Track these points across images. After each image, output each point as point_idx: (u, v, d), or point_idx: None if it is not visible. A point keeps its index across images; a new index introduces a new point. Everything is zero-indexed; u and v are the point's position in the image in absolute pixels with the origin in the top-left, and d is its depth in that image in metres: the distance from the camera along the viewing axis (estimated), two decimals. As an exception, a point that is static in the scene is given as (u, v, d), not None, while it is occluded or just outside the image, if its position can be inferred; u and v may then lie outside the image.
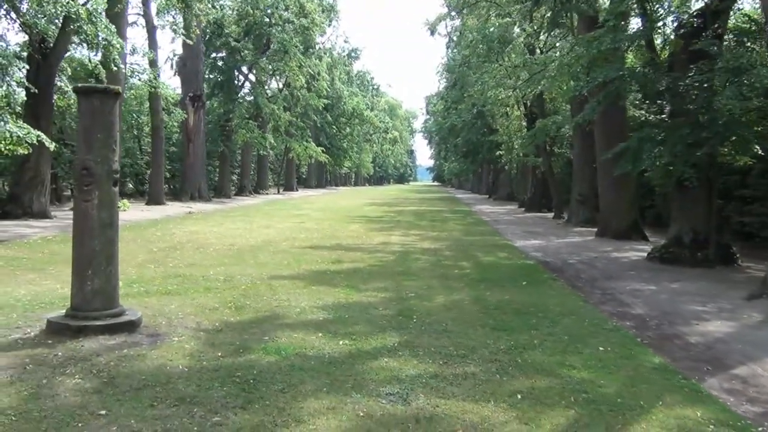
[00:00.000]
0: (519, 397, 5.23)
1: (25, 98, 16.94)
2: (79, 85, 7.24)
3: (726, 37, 13.92)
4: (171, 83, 43.76)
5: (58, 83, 20.82)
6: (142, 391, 5.14)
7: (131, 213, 25.35)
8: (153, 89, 27.54)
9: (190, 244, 15.71)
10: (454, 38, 45.47)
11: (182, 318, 7.68)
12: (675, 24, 14.86)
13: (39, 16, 18.49)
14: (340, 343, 6.79)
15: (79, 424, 4.49)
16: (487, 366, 6.09)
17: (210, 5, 33.98)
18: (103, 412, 4.70)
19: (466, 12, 34.46)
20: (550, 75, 18.51)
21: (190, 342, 6.64)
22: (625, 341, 7.33)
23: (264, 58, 44.44)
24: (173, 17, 29.78)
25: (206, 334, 7.01)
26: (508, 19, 30.82)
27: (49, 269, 11.18)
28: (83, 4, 17.62)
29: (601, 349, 6.86)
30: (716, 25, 13.49)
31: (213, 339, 6.79)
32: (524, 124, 36.57)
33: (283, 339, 6.87)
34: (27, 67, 17.47)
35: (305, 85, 49.12)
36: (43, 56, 20.51)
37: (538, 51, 32.54)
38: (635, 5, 15.83)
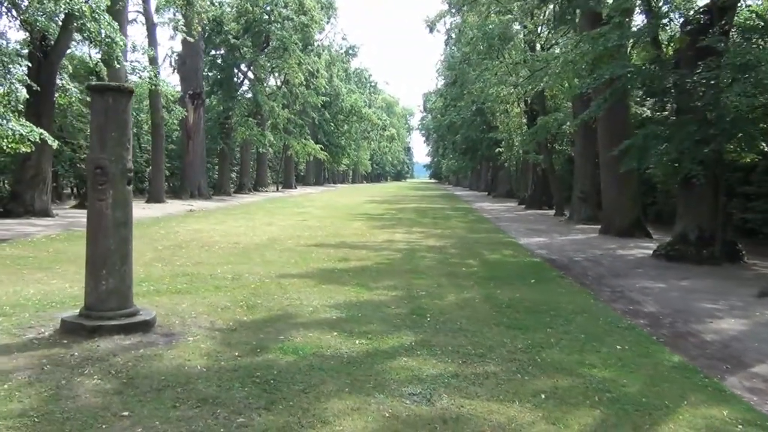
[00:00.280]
0: (543, 396, 5.20)
1: (27, 96, 16.82)
2: (93, 83, 7.20)
3: (732, 33, 13.85)
4: (170, 81, 43.56)
5: (60, 81, 20.69)
6: (163, 392, 5.10)
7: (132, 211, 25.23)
8: (153, 87, 27.42)
9: (195, 242, 15.64)
10: (453, 35, 45.43)
11: (195, 317, 7.64)
12: (681, 20, 14.80)
13: (39, 13, 18.39)
14: (357, 342, 6.75)
15: (103, 426, 4.44)
16: (507, 365, 6.06)
17: (209, 2, 33.83)
18: (125, 413, 4.66)
19: (466, 9, 34.40)
20: (554, 72, 18.41)
21: (206, 342, 6.60)
22: (641, 339, 7.31)
23: (263, 56, 44.33)
24: (173, 14, 29.69)
25: (221, 333, 6.97)
26: (509, 15, 30.75)
27: (56, 268, 11.12)
28: (85, 2, 17.52)
29: (618, 347, 6.84)
30: (723, 22, 13.46)
31: (228, 338, 6.75)
32: (524, 121, 36.55)
33: (299, 338, 6.83)
34: (29, 64, 17.37)
35: (304, 83, 49.02)
36: (44, 54, 20.44)
37: (538, 48, 32.54)
38: (640, 2, 15.81)
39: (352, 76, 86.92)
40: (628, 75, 14.36)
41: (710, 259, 13.88)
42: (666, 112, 19.09)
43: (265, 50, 44.23)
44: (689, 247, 14.32)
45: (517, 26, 34.12)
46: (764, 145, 13.91)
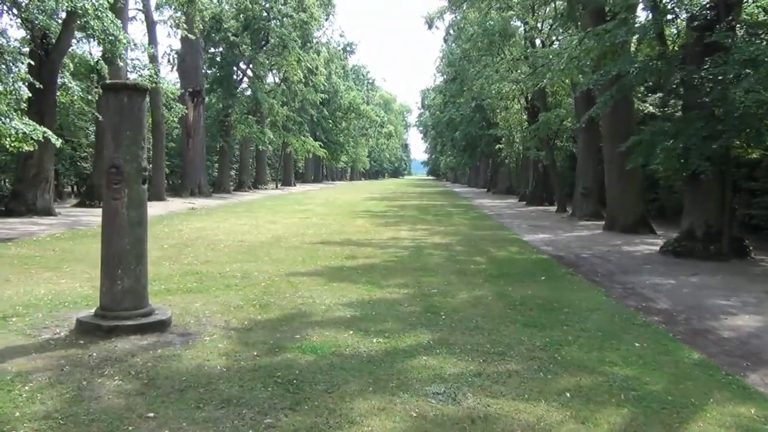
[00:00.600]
0: (568, 395, 5.17)
1: (29, 95, 16.73)
2: (108, 81, 7.14)
3: (738, 28, 13.80)
4: (169, 78, 43.39)
5: (61, 79, 20.60)
6: (185, 393, 5.06)
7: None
8: (154, 85, 27.33)
9: (200, 240, 15.59)
10: (452, 32, 45.36)
11: (210, 316, 7.60)
12: (687, 16, 14.76)
13: (39, 11, 18.28)
14: (374, 341, 6.71)
15: (130, 428, 4.40)
16: (528, 363, 6.03)
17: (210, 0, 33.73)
18: (150, 414, 4.62)
19: (466, 6, 34.34)
20: (558, 68, 18.37)
21: (223, 341, 6.56)
22: (659, 337, 7.28)
23: (262, 53, 44.23)
24: (174, 12, 29.57)
25: (237, 332, 6.93)
26: (511, 12, 30.71)
27: (64, 267, 11.06)
28: (88, -1, 17.47)
29: (637, 345, 6.81)
30: (730, 17, 13.42)
31: (245, 338, 6.70)
32: (525, 117, 36.53)
33: (315, 337, 6.79)
34: (31, 62, 17.28)
35: (303, 80, 48.92)
36: (45, 52, 20.34)
37: (539, 44, 32.50)
38: (645, -3, 15.77)
39: (349, 73, 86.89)
40: (635, 71, 14.31)
41: (718, 255, 13.86)
42: (668, 108, 19.11)
43: (265, 48, 44.11)
44: (696, 243, 14.29)
45: (517, 23, 34.14)
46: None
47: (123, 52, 19.00)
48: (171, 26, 30.40)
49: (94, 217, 21.29)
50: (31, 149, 16.86)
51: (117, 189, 6.60)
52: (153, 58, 29.00)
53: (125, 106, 6.60)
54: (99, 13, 16.96)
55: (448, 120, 56.06)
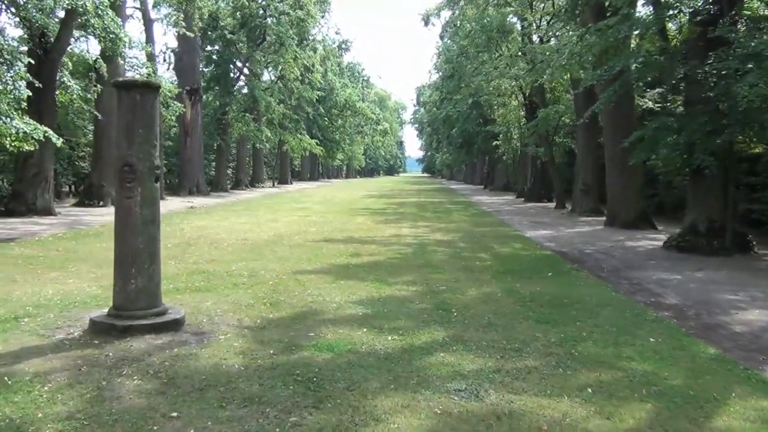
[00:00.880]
0: (590, 391, 5.16)
1: (29, 93, 16.65)
2: (120, 79, 7.08)
3: (741, 23, 13.79)
4: (165, 76, 43.24)
5: (60, 78, 20.51)
6: (206, 392, 5.04)
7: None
8: (152, 83, 27.16)
9: (202, 239, 15.55)
10: (449, 29, 45.30)
11: (222, 315, 7.57)
12: (690, 11, 14.76)
13: (37, 10, 18.18)
14: (389, 338, 6.70)
15: (155, 427, 4.38)
16: (546, 360, 6.02)
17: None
18: (174, 414, 4.59)
19: (464, 2, 34.32)
20: (559, 64, 18.36)
21: (238, 340, 6.53)
22: (672, 332, 7.28)
23: (259, 51, 44.13)
24: (172, 10, 29.44)
25: (250, 331, 6.90)
26: (509, 8, 30.70)
27: (69, 267, 11.02)
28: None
29: (651, 340, 6.81)
30: (733, 12, 13.43)
31: (259, 336, 6.68)
32: (523, 113, 36.53)
33: (330, 335, 6.78)
34: (31, 61, 17.19)
35: (299, 77, 48.84)
36: (44, 51, 20.25)
37: (536, 39, 32.50)
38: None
39: (345, 71, 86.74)
40: (639, 66, 14.32)
41: (721, 250, 13.89)
42: (669, 104, 19.12)
43: (261, 45, 44.01)
44: (700, 239, 14.32)
45: (514, 19, 34.13)
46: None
47: (123, 50, 18.93)
48: (169, 24, 30.32)
49: (94, 216, 21.27)
50: (32, 149, 16.79)
51: (130, 187, 6.57)
52: (151, 57, 28.91)
53: (138, 103, 6.56)
54: (100, 11, 16.89)
55: (444, 117, 56.01)
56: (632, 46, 18.17)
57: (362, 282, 10.05)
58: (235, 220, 21.59)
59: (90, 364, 5.65)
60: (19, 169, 21.22)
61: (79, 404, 4.74)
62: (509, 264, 12.46)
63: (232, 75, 45.81)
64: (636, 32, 15.10)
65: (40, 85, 17.81)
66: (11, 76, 16.34)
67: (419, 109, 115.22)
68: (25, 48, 20.55)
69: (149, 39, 31.31)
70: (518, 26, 34.69)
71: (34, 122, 16.14)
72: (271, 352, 6.14)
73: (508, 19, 33.48)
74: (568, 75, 24.79)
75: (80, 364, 5.64)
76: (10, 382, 5.14)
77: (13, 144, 16.11)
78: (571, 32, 23.59)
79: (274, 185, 59.06)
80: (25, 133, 15.81)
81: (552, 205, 32.08)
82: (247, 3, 40.82)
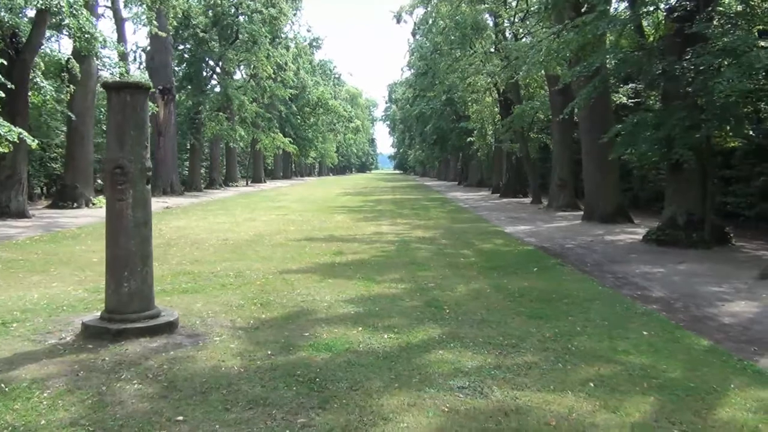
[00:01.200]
0: (592, 385, 5.20)
1: (1, 95, 16.32)
2: (110, 80, 7.02)
3: (717, 19, 13.96)
4: (136, 76, 42.64)
5: (34, 79, 20.14)
6: (208, 395, 4.99)
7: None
8: (125, 83, 26.83)
9: (183, 240, 15.40)
10: (422, 27, 45.31)
11: (214, 317, 7.51)
12: (667, 7, 14.93)
13: (6, 9, 17.83)
14: (385, 336, 6.69)
15: (163, 431, 4.34)
16: (544, 355, 6.06)
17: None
18: (180, 417, 4.54)
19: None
20: (537, 60, 18.45)
21: (233, 341, 6.48)
22: (663, 325, 7.37)
23: (231, 49, 43.80)
24: (142, 9, 29.07)
25: (245, 332, 6.85)
26: (484, 5, 30.79)
27: (51, 271, 10.85)
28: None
29: (644, 333, 6.89)
30: (709, 8, 13.60)
31: (254, 337, 6.64)
32: (497, 110, 36.69)
33: (325, 335, 6.75)
34: (3, 62, 16.85)
35: (272, 76, 48.56)
36: (16, 51, 19.90)
37: (510, 37, 32.63)
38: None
39: (316, 69, 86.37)
40: (617, 62, 14.45)
41: (700, 243, 14.07)
42: (642, 99, 19.33)
43: (234, 44, 43.68)
44: (679, 232, 14.50)
45: (487, 15, 34.23)
46: (750, 130, 14.17)
47: (99, 50, 18.65)
48: (143, 23, 29.92)
49: (68, 218, 20.96)
50: (6, 151, 16.49)
51: (122, 190, 6.48)
52: (123, 56, 28.52)
53: (128, 104, 6.47)
54: (74, 11, 16.61)
55: (418, 114, 56.04)
56: (607, 42, 18.35)
57: (350, 280, 10.03)
58: (213, 219, 21.41)
59: (87, 369, 5.57)
60: (-9, 172, 20.81)
61: (81, 410, 4.67)
62: (493, 260, 12.51)
63: (204, 74, 45.43)
64: (614, 29, 15.18)
65: (13, 86, 17.47)
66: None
67: (391, 107, 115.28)
68: (-6, 48, 20.19)
69: (121, 38, 30.92)
70: (490, 22, 34.82)
71: (8, 124, 15.83)
72: (269, 352, 6.10)
73: (485, 16, 33.62)
74: (543, 71, 24.92)
75: (77, 369, 5.56)
76: (7, 389, 5.05)
77: (-14, 146, 15.80)
78: (544, 29, 23.71)
79: (247, 184, 58.70)
80: (-2, 135, 15.50)
81: (527, 200, 32.30)
82: (219, 1, 40.46)
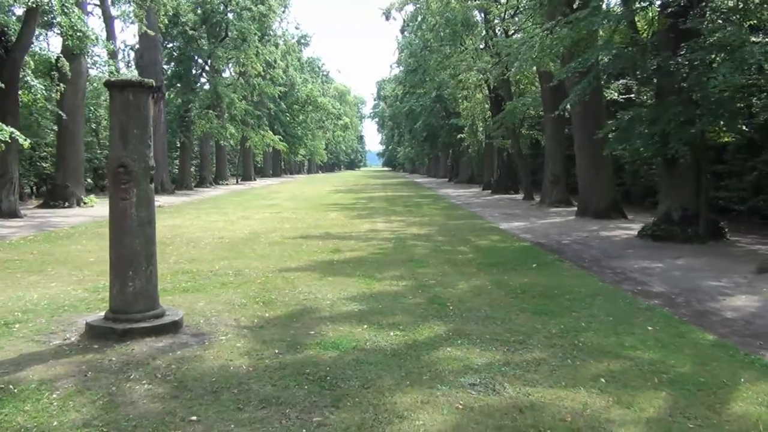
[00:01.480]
0: (603, 381, 5.20)
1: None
2: (111, 79, 6.94)
3: (711, 14, 14.01)
4: (125, 74, 42.43)
5: (24, 78, 19.97)
6: (220, 394, 4.96)
7: (99, 209, 24.59)
8: (115, 81, 26.64)
9: (178, 238, 15.33)
10: (411, 23, 45.27)
11: (217, 316, 7.48)
12: (661, 3, 14.97)
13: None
14: (391, 334, 6.68)
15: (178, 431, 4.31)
16: (551, 351, 6.06)
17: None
18: (193, 417, 4.51)
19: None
20: (530, 57, 18.45)
21: (239, 340, 6.45)
22: (667, 320, 7.40)
23: (221, 47, 43.63)
24: (131, 7, 28.92)
25: (250, 331, 6.82)
26: (475, 2, 30.79)
27: (48, 271, 10.77)
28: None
29: (650, 328, 6.90)
30: (703, 3, 13.65)
31: (260, 336, 6.61)
32: (488, 106, 36.72)
33: (331, 333, 6.73)
34: (-7, 61, 16.76)
35: (262, 73, 48.43)
36: (5, 50, 19.73)
37: (501, 33, 32.66)
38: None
39: (305, 66, 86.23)
40: (611, 58, 14.48)
41: (696, 238, 14.14)
42: (634, 95, 19.38)
43: (223, 41, 43.51)
44: (674, 227, 14.57)
45: (475, 12, 34.25)
46: (743, 125, 14.25)
47: (90, 48, 18.51)
48: (133, 21, 29.76)
49: (61, 217, 20.84)
50: (-1, 150, 16.37)
51: (125, 189, 6.43)
52: (113, 54, 28.36)
53: (131, 103, 6.42)
54: (66, 9, 16.48)
55: (408, 111, 56.06)
56: (600, 39, 18.40)
57: (350, 278, 10.01)
58: (206, 218, 21.33)
59: (95, 370, 5.53)
60: (-18, 172, 20.64)
61: (93, 411, 4.64)
62: (491, 256, 12.53)
63: (194, 72, 45.24)
64: (607, 24, 15.21)
65: (2, 85, 17.34)
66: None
67: (379, 104, 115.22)
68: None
69: (110, 36, 30.76)
70: (479, 18, 34.85)
71: (0, 123, 15.71)
72: (276, 351, 6.07)
73: (472, 13, 33.62)
74: (535, 68, 24.96)
75: (85, 370, 5.52)
76: (16, 390, 5.00)
77: (-23, 146, 15.67)
78: (534, 26, 23.73)
79: (237, 182, 58.55)
80: (-10, 134, 15.38)
81: (519, 196, 32.38)
82: (208, -2, 40.35)
